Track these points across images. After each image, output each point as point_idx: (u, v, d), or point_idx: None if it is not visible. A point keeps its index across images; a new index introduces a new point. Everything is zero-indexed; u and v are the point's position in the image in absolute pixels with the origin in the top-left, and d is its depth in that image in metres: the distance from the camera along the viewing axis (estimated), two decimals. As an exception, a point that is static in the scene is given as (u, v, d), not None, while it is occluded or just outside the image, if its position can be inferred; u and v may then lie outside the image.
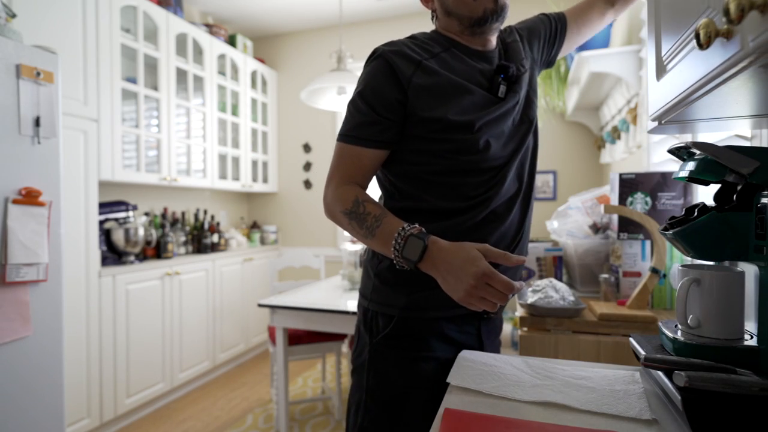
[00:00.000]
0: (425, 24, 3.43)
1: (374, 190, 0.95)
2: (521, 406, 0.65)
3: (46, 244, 1.50)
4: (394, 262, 0.78)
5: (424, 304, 0.88)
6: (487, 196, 0.88)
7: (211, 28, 3.25)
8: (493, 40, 0.94)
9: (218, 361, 3.05)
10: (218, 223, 3.29)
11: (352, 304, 1.97)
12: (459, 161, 0.86)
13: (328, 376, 3.03)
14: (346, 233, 2.21)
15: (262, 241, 3.79)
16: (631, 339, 0.78)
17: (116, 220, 2.48)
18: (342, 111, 3.01)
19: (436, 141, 0.85)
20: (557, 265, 1.57)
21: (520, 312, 1.29)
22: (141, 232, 2.47)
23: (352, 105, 0.87)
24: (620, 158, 2.27)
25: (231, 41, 3.51)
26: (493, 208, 0.89)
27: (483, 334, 0.95)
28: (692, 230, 0.65)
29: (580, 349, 1.18)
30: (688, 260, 1.31)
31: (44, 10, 1.97)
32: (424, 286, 0.86)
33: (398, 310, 0.88)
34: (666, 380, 0.62)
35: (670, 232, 0.68)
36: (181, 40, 2.92)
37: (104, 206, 2.44)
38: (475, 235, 0.87)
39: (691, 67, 0.52)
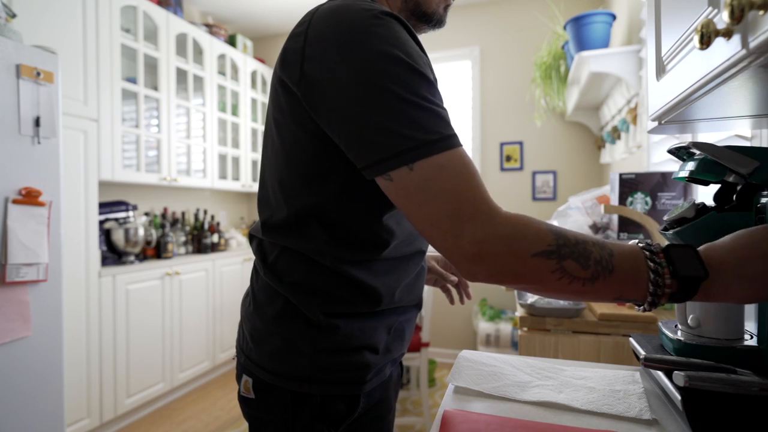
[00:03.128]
0: (425, 24, 3.42)
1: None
2: (521, 407, 0.65)
3: (46, 244, 1.50)
4: (650, 300, 0.49)
5: (387, 353, 0.70)
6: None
7: (211, 28, 3.25)
8: None
9: (218, 361, 3.05)
10: (218, 223, 3.29)
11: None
12: None
13: (328, 376, 3.03)
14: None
15: (262, 241, 3.79)
16: (631, 339, 0.78)
17: (116, 220, 2.48)
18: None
19: None
20: (557, 265, 1.56)
21: (520, 312, 1.29)
22: (141, 232, 2.47)
23: (410, 91, 0.51)
24: (620, 158, 2.27)
25: (231, 41, 3.51)
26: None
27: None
28: (692, 230, 0.65)
29: (580, 349, 1.18)
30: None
31: (44, 10, 1.97)
32: (387, 329, 0.69)
33: (363, 384, 0.65)
34: (666, 380, 0.62)
35: (670, 232, 0.68)
36: (181, 40, 2.91)
37: (104, 206, 2.44)
38: (419, 281, 0.75)
39: (691, 67, 0.52)
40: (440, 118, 0.52)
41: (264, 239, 0.68)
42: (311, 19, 0.58)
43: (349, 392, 0.64)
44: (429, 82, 0.53)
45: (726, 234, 0.64)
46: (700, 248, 0.51)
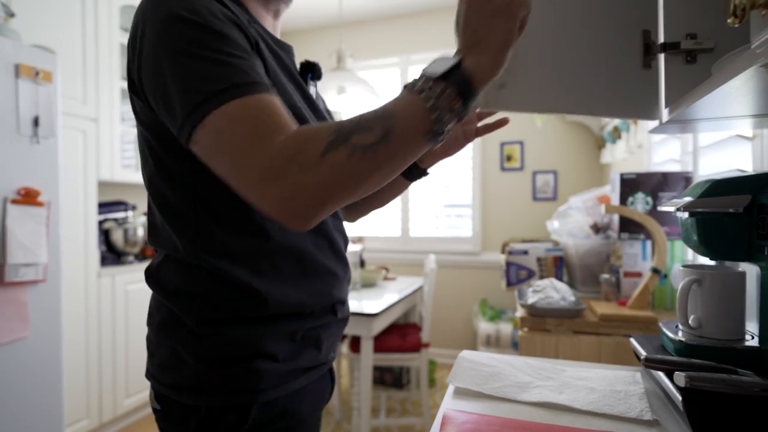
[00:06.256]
0: (426, 24, 3.42)
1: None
2: (522, 407, 0.64)
3: (44, 244, 1.50)
4: (436, 118, 0.47)
5: (292, 362, 0.63)
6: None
7: (210, 28, 3.25)
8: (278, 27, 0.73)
9: (218, 361, 3.05)
10: (218, 223, 3.28)
11: (353, 304, 1.97)
12: None
13: (327, 376, 3.02)
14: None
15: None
16: (632, 339, 0.77)
17: (115, 220, 2.48)
18: (342, 111, 3.00)
19: None
20: (558, 265, 1.56)
21: (520, 312, 1.28)
22: (140, 232, 2.47)
23: (197, 46, 0.49)
24: (621, 158, 2.27)
25: (231, 41, 3.51)
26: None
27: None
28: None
29: (580, 350, 1.17)
30: (689, 260, 1.31)
31: (43, 10, 1.96)
32: (286, 331, 0.63)
33: (256, 393, 0.60)
34: (667, 381, 0.62)
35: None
36: (180, 40, 2.91)
37: (103, 206, 2.43)
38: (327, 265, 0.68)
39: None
40: (233, 67, 0.49)
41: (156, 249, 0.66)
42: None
43: (239, 402, 0.60)
44: (220, 36, 0.51)
45: (728, 234, 0.64)
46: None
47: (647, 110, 0.65)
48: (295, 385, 0.64)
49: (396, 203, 3.48)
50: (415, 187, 3.26)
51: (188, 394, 0.60)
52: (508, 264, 1.59)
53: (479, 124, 0.78)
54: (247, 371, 0.59)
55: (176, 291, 0.61)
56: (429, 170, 0.81)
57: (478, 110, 0.76)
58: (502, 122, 0.77)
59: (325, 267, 0.66)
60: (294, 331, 0.63)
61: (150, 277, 0.64)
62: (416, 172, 0.80)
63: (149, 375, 0.66)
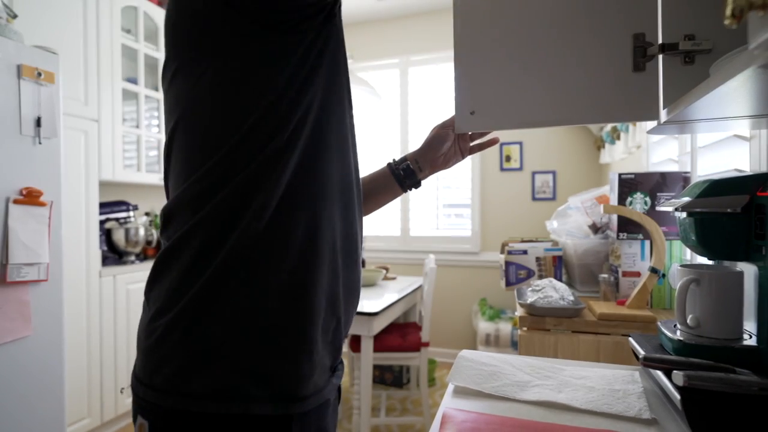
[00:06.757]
0: (426, 24, 3.43)
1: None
2: (521, 406, 0.65)
3: (46, 244, 1.50)
4: None
5: (323, 365, 0.58)
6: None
7: (211, 28, 3.25)
8: None
9: (218, 360, 3.05)
10: (218, 223, 3.28)
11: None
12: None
13: (328, 375, 3.03)
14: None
15: (263, 241, 3.78)
16: (630, 339, 0.78)
17: (117, 220, 2.48)
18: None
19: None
20: (557, 264, 1.57)
21: (519, 312, 1.29)
22: (141, 232, 2.48)
23: None
24: (620, 158, 2.27)
25: (231, 41, 3.51)
26: None
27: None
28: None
29: (579, 349, 1.18)
30: (687, 260, 1.32)
31: (45, 11, 1.97)
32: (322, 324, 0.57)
33: (300, 402, 0.52)
34: (665, 380, 0.63)
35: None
36: (181, 40, 2.91)
37: (105, 206, 2.44)
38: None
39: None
40: None
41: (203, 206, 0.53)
42: None
43: (278, 411, 0.50)
44: None
45: (728, 228, 0.64)
46: None
47: (638, 113, 0.65)
48: (324, 396, 0.58)
49: (396, 203, 3.48)
50: (415, 187, 3.26)
51: (218, 402, 0.49)
52: (508, 263, 1.60)
53: (472, 144, 0.82)
54: (290, 370, 0.53)
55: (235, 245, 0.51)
56: (422, 182, 0.83)
57: (470, 132, 0.80)
58: (492, 141, 0.80)
59: (357, 284, 0.66)
60: (328, 325, 0.59)
61: (184, 239, 0.53)
62: (412, 182, 0.82)
63: (149, 391, 0.52)
